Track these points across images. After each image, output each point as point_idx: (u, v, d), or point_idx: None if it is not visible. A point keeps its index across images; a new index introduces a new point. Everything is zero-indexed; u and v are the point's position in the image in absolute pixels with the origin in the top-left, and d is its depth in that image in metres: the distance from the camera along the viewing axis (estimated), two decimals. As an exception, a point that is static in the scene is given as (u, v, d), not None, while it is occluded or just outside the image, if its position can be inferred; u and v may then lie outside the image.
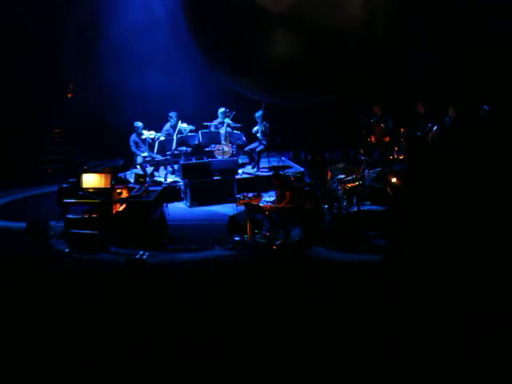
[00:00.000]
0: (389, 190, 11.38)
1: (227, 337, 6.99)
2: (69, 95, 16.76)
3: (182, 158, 14.05)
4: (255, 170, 14.36)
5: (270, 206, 10.75)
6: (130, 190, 11.35)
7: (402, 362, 6.40)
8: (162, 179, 13.82)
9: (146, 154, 13.78)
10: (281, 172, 12.47)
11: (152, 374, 6.35)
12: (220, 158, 13.91)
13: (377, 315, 7.39)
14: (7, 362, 6.61)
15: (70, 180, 11.62)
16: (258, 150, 14.34)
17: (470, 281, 8.13)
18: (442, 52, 14.77)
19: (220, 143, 14.09)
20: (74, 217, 10.77)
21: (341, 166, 12.67)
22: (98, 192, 10.84)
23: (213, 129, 14.28)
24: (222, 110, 14.37)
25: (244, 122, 14.54)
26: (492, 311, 7.25)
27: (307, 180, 13.20)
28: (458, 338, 6.76)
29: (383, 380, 6.20)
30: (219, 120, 14.35)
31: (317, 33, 14.04)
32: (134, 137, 13.75)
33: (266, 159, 14.74)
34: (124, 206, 10.99)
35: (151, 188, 11.74)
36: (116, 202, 10.98)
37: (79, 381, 6.32)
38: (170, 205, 12.13)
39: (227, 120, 14.22)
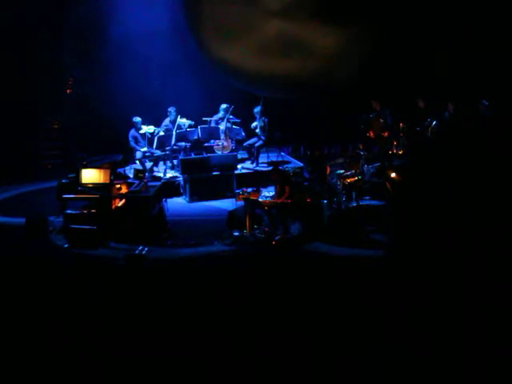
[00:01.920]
0: (388, 185, 11.37)
1: (227, 334, 6.99)
2: (68, 91, 16.73)
3: (182, 153, 14.05)
4: (254, 165, 14.37)
5: (269, 201, 10.76)
6: (129, 185, 11.34)
7: (401, 360, 6.41)
8: (162, 174, 13.83)
9: (145, 149, 13.78)
10: (280, 167, 12.47)
11: (151, 374, 6.35)
12: (219, 153, 13.91)
13: (376, 310, 7.39)
14: (6, 361, 6.61)
15: (70, 175, 11.59)
16: (257, 145, 14.34)
17: (470, 276, 8.13)
18: (441, 47, 14.75)
19: (219, 138, 14.09)
20: (73, 212, 10.77)
21: (340, 161, 12.66)
22: (97, 187, 10.83)
23: (212, 124, 14.28)
24: (224, 105, 14.35)
25: (243, 117, 14.54)
26: (492, 308, 7.26)
27: (306, 175, 13.21)
28: (458, 334, 6.76)
29: (383, 379, 6.20)
30: (220, 115, 14.33)
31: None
32: (133, 132, 13.75)
33: (265, 154, 14.74)
34: (123, 201, 10.98)
35: (150, 183, 11.75)
36: (115, 198, 10.97)
37: (78, 381, 6.32)
38: (169, 200, 12.11)
39: (229, 115, 14.23)
